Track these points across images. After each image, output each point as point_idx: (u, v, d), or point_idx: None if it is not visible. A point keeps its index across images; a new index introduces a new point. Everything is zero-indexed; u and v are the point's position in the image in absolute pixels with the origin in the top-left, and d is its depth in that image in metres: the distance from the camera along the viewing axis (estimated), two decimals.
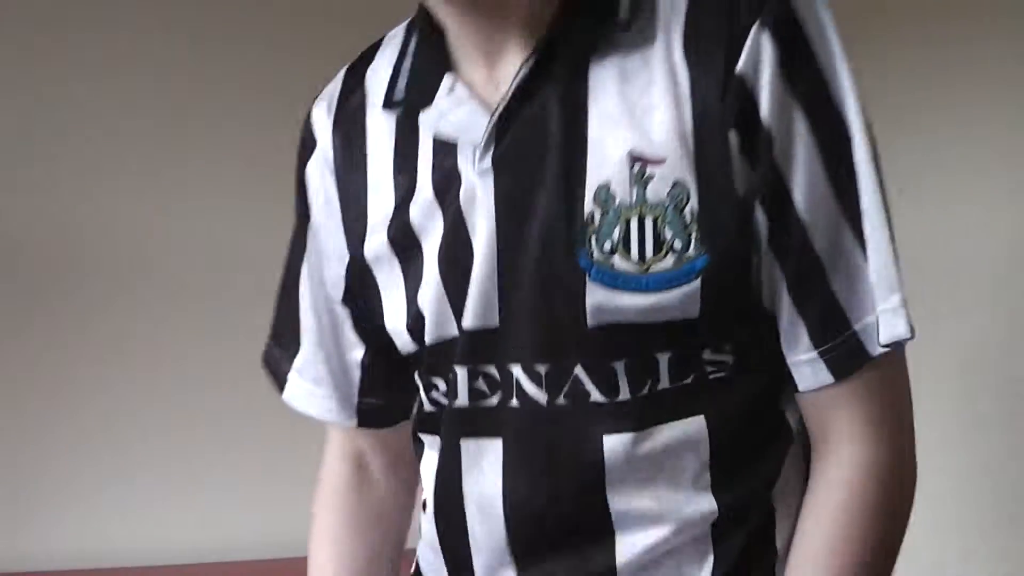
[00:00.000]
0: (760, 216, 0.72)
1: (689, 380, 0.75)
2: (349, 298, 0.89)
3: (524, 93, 0.74)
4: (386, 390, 0.92)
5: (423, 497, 0.89)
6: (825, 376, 0.74)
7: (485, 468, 0.79)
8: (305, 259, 0.94)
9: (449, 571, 0.85)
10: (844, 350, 0.73)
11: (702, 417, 0.75)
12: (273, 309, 1.03)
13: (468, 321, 0.77)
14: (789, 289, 0.73)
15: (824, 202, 0.72)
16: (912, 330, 0.73)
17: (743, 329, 0.76)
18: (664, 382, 0.75)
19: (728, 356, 0.76)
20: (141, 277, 2.11)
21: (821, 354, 0.74)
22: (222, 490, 2.17)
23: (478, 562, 0.80)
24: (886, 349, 0.73)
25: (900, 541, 0.77)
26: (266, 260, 2.21)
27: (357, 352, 0.91)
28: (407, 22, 0.86)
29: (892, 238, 0.73)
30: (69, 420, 2.06)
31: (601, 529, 0.76)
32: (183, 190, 2.15)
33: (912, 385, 0.80)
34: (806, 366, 0.75)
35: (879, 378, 0.75)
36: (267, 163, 2.24)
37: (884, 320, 0.72)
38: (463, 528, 0.81)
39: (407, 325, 0.82)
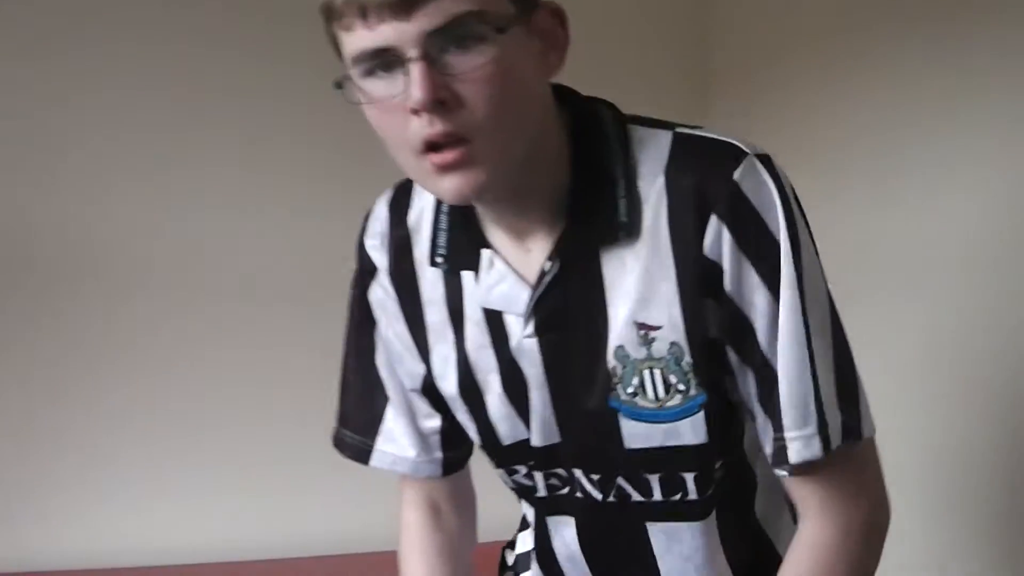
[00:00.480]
0: (731, 353, 0.94)
1: (710, 493, 1.00)
2: (425, 393, 1.09)
3: (552, 280, 0.94)
4: (462, 442, 1.12)
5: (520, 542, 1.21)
6: (779, 470, 0.95)
7: (567, 537, 1.08)
8: (379, 353, 1.09)
9: None
10: (779, 451, 0.94)
11: (714, 514, 1.02)
12: (339, 397, 1.17)
13: (536, 440, 1.01)
14: (760, 400, 0.95)
15: (774, 341, 0.92)
16: (833, 443, 0.92)
17: (736, 441, 1.02)
18: (692, 495, 0.99)
19: (725, 460, 1.00)
20: (142, 277, 2.12)
21: (775, 449, 0.95)
22: (222, 490, 2.17)
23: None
24: (806, 460, 0.92)
25: None
26: (266, 261, 2.23)
27: (435, 422, 1.10)
28: None
29: (816, 370, 0.91)
30: (69, 420, 2.06)
31: None
32: (183, 191, 2.15)
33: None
34: (772, 458, 0.96)
35: (831, 469, 0.94)
36: (268, 165, 2.25)
37: (793, 446, 0.92)
38: (559, 571, 1.11)
39: (480, 440, 1.07)
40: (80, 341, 2.07)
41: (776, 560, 1.01)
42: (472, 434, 1.07)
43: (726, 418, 0.97)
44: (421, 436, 1.10)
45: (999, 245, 1.87)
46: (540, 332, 0.96)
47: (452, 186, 0.86)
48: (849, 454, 0.94)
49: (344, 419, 1.15)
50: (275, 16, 2.20)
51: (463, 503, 1.17)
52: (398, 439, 1.10)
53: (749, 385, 0.95)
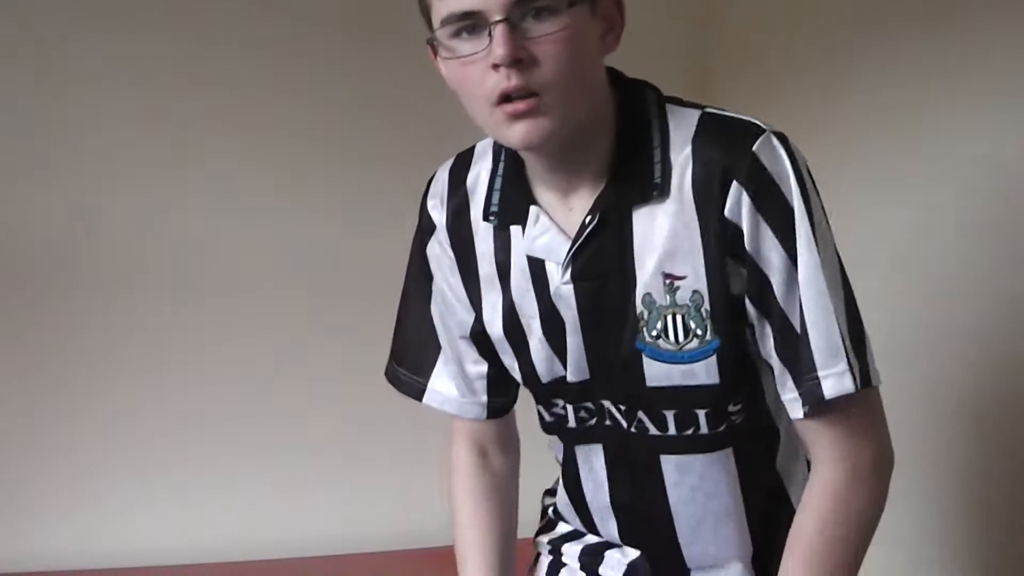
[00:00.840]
0: (751, 307, 1.05)
1: (721, 428, 1.10)
2: (473, 339, 1.20)
3: (589, 235, 1.06)
4: (506, 390, 1.24)
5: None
6: (799, 412, 1.05)
7: (594, 464, 1.19)
8: (433, 302, 1.21)
9: (577, 514, 1.25)
10: (809, 391, 1.03)
11: (730, 449, 1.13)
12: (394, 336, 1.28)
13: (571, 376, 1.13)
14: (777, 350, 1.05)
15: (790, 294, 1.03)
16: (859, 383, 1.02)
17: (751, 386, 1.11)
18: (704, 429, 1.10)
19: (742, 407, 1.10)
20: (142, 277, 2.12)
21: (800, 394, 1.04)
22: (222, 490, 2.17)
23: (594, 510, 1.22)
24: (839, 394, 1.02)
25: (875, 522, 1.08)
26: (266, 260, 2.22)
27: (482, 367, 1.22)
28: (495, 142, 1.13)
29: (838, 318, 1.02)
30: (69, 420, 2.06)
31: (668, 515, 1.16)
32: (183, 191, 2.15)
33: None
34: (791, 403, 1.06)
35: (842, 414, 1.04)
36: (267, 164, 2.25)
37: (827, 383, 1.02)
38: (583, 498, 1.22)
39: (522, 378, 1.19)
40: (78, 341, 2.06)
41: (785, 500, 1.16)
42: (515, 373, 1.19)
43: (738, 364, 1.07)
44: (467, 381, 1.22)
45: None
46: (576, 279, 1.08)
47: (521, 131, 0.99)
48: (859, 399, 1.03)
49: (400, 358, 1.26)
50: (278, 14, 2.20)
51: (508, 447, 1.29)
52: (447, 382, 1.23)
53: (767, 337, 1.05)
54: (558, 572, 1.29)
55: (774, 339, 1.05)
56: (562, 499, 1.28)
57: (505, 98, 0.97)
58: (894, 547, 1.94)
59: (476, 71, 0.98)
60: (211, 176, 2.16)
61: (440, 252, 1.18)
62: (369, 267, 2.32)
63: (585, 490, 1.22)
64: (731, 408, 1.10)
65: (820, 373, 1.02)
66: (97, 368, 2.08)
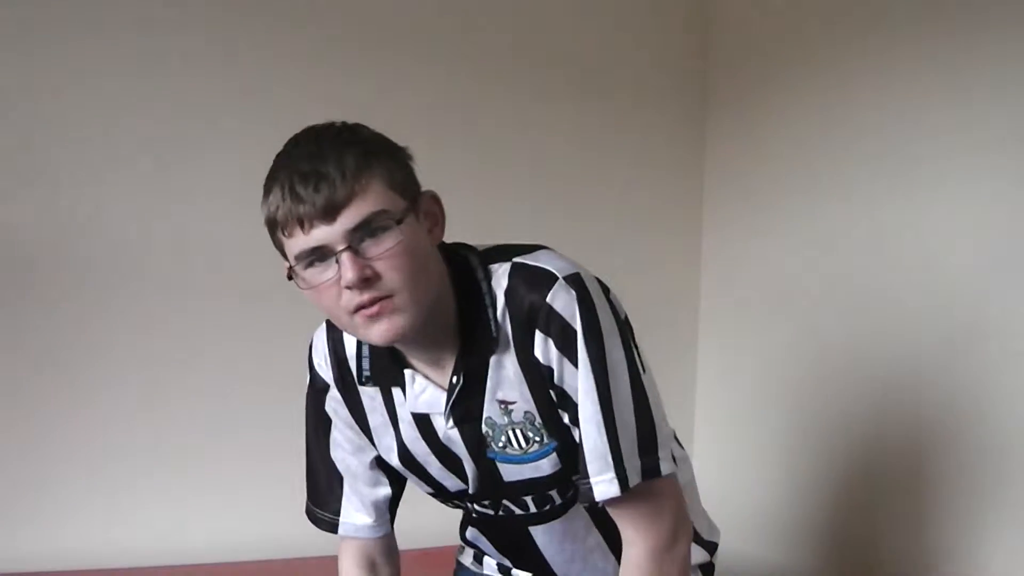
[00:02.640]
0: (566, 419, 1.26)
1: (570, 495, 1.34)
2: (380, 466, 1.41)
3: (460, 391, 1.27)
4: (396, 504, 1.46)
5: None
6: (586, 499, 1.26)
7: (486, 531, 1.48)
8: (334, 448, 1.40)
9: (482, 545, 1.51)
10: (584, 494, 1.25)
11: (585, 509, 1.37)
12: (306, 482, 1.44)
13: (471, 490, 1.35)
14: (582, 451, 1.26)
15: (580, 413, 1.24)
16: (627, 485, 1.22)
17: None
18: (558, 501, 1.35)
19: (576, 483, 1.31)
20: (142, 278, 2.12)
21: (581, 493, 1.26)
22: (222, 490, 2.17)
23: (491, 551, 1.51)
24: (607, 498, 1.23)
25: None
26: (265, 260, 2.22)
27: (386, 490, 1.43)
28: None
29: (609, 432, 1.22)
30: (69, 420, 2.06)
31: (545, 561, 1.44)
32: (182, 191, 2.15)
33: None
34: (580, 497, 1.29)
35: (636, 500, 1.25)
36: (266, 164, 2.25)
37: (597, 488, 1.24)
38: (479, 545, 1.53)
39: (431, 493, 1.41)
40: (79, 341, 2.07)
41: None
42: (422, 488, 1.41)
43: (572, 455, 1.27)
44: (375, 506, 1.42)
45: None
46: (458, 424, 1.29)
47: (380, 330, 1.16)
48: (651, 488, 1.25)
49: (314, 499, 1.44)
50: (275, 18, 2.21)
51: (392, 555, 1.49)
52: (356, 513, 1.42)
53: (579, 439, 1.26)
54: (482, 559, 1.55)
55: (581, 444, 1.25)
56: (471, 532, 1.54)
57: (361, 307, 1.14)
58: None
59: (332, 293, 1.15)
60: (212, 176, 2.17)
61: (336, 405, 1.37)
62: None
63: (477, 544, 1.52)
64: (575, 480, 1.29)
65: (592, 480, 1.23)
66: (97, 368, 2.08)
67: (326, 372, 1.36)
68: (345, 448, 1.39)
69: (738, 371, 2.64)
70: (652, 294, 2.65)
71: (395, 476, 1.42)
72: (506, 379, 1.25)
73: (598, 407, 1.22)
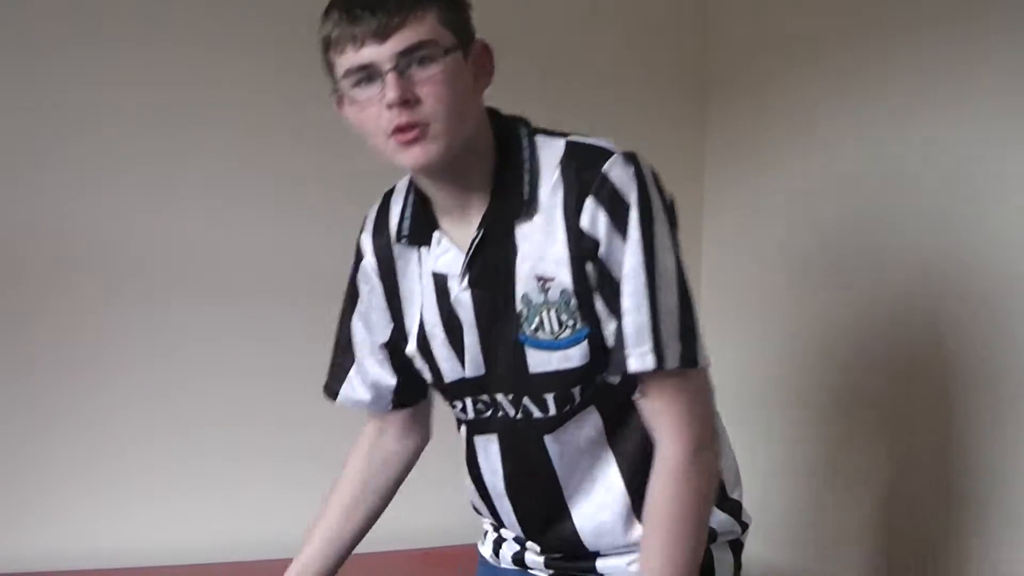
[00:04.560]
0: (599, 303, 1.25)
1: (589, 395, 1.31)
2: (390, 345, 1.44)
3: (478, 248, 1.28)
4: (411, 394, 1.49)
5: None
6: (616, 379, 1.27)
7: (490, 451, 1.40)
8: (354, 316, 1.46)
9: (481, 499, 1.46)
10: (618, 365, 1.24)
11: (593, 406, 1.32)
12: (331, 354, 1.52)
13: (468, 371, 1.34)
14: (610, 333, 1.26)
15: (623, 289, 1.24)
16: (666, 363, 1.22)
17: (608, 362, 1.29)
18: (577, 401, 1.31)
19: (602, 380, 1.30)
20: (142, 277, 2.12)
21: (614, 364, 1.25)
22: (222, 490, 2.18)
23: (492, 496, 1.43)
24: (641, 369, 1.23)
25: (712, 492, 1.29)
26: (264, 260, 2.23)
27: (391, 379, 1.46)
28: (409, 178, 1.36)
29: (652, 308, 1.22)
30: (69, 420, 2.06)
31: (555, 480, 1.37)
32: (181, 190, 2.15)
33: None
34: (612, 377, 1.27)
35: (670, 391, 1.26)
36: (265, 164, 2.26)
37: (631, 359, 1.23)
38: (483, 484, 1.43)
39: (431, 379, 1.42)
40: (79, 341, 2.07)
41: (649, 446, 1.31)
42: (426, 375, 1.41)
43: (601, 346, 1.27)
44: (374, 386, 1.46)
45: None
46: (472, 286, 1.29)
47: (413, 155, 1.19)
48: (686, 380, 1.26)
49: (329, 372, 1.52)
50: (273, 13, 2.21)
51: (407, 436, 1.52)
52: (358, 387, 1.47)
53: (606, 323, 1.25)
54: (499, 550, 1.52)
55: (609, 325, 1.25)
56: (470, 488, 1.48)
57: (398, 130, 1.18)
58: None
59: (373, 112, 1.19)
60: (208, 177, 2.17)
61: (370, 272, 1.42)
62: None
63: (484, 476, 1.42)
64: (597, 380, 1.29)
65: (628, 351, 1.23)
66: (97, 368, 2.08)
67: (368, 243, 1.41)
68: (363, 323, 1.44)
69: (738, 370, 2.64)
70: None
71: (404, 369, 1.44)
72: (547, 254, 1.25)
73: (643, 284, 1.22)
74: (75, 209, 2.08)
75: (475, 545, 1.60)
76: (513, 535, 1.48)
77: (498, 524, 1.50)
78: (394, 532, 2.35)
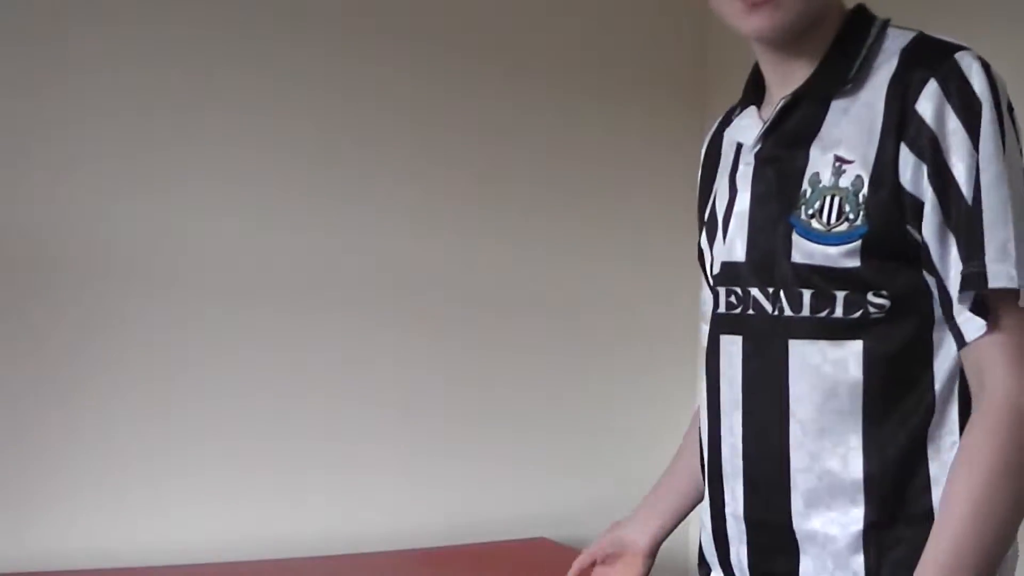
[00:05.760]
0: (929, 194, 1.08)
1: (856, 315, 1.12)
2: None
3: (780, 118, 1.20)
4: None
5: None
6: (975, 324, 1.06)
7: (732, 353, 1.23)
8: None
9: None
10: (973, 276, 1.06)
11: (860, 342, 1.12)
12: None
13: (729, 254, 1.24)
14: (950, 232, 1.08)
15: (969, 193, 1.07)
16: (1015, 281, 1.04)
17: (896, 282, 1.12)
18: (838, 312, 1.13)
19: (885, 301, 1.12)
20: (143, 277, 2.11)
21: (963, 275, 1.06)
22: (222, 490, 2.17)
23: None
24: (999, 287, 1.04)
25: None
26: (264, 260, 2.23)
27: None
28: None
29: (1015, 225, 1.05)
30: (69, 420, 2.06)
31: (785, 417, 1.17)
32: (181, 190, 2.15)
33: None
34: (961, 317, 1.08)
35: (1010, 332, 1.06)
36: (265, 165, 2.25)
37: (992, 271, 1.05)
38: (717, 392, 1.25)
39: (707, 267, 1.33)
40: (82, 341, 2.06)
41: (921, 460, 1.11)
42: (707, 263, 1.31)
43: (884, 254, 1.11)
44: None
45: None
46: (759, 157, 1.21)
47: (757, 21, 1.14)
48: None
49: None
50: (275, 18, 2.20)
51: None
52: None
53: (934, 225, 1.09)
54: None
55: (955, 238, 1.07)
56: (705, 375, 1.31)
57: None
58: None
59: None
60: (211, 176, 2.16)
61: (702, 161, 1.40)
62: (367, 271, 2.33)
63: (721, 384, 1.24)
64: (872, 298, 1.12)
65: (988, 260, 1.05)
66: (98, 368, 2.08)
67: (707, 136, 1.40)
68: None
69: None
70: (649, 297, 2.65)
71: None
72: (857, 134, 1.12)
73: (1006, 194, 1.05)
74: (77, 209, 2.07)
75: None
76: None
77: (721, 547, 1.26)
78: (394, 532, 2.36)
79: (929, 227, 1.08)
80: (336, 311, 2.27)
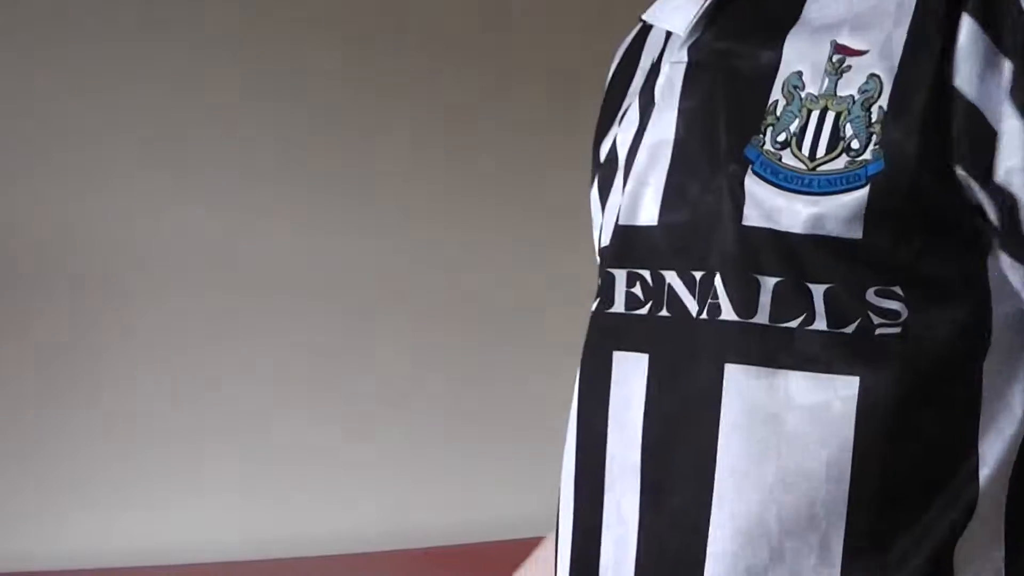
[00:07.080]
0: (1010, 113, 0.61)
1: (850, 329, 0.63)
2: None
3: None
4: None
5: None
6: None
7: (630, 386, 0.75)
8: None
9: (575, 481, 0.81)
10: None
11: (855, 380, 0.62)
12: None
13: (634, 217, 0.74)
14: None
15: None
16: None
17: (927, 272, 0.63)
18: (820, 323, 0.63)
19: (901, 305, 0.62)
20: (143, 276, 2.12)
21: None
22: (222, 490, 2.17)
23: (613, 472, 0.76)
24: None
25: None
26: (264, 259, 2.23)
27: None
28: None
29: None
30: (69, 420, 2.06)
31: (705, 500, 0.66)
32: (181, 190, 2.15)
33: None
34: None
35: None
36: (264, 164, 2.25)
37: None
38: (601, 449, 0.81)
39: (598, 238, 0.84)
40: (79, 340, 2.07)
41: None
42: (596, 234, 0.82)
43: (903, 213, 0.62)
44: None
45: None
46: (698, 51, 0.71)
47: None
48: None
49: None
50: (275, 20, 2.21)
51: None
52: None
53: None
54: None
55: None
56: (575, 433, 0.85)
57: None
58: None
59: None
60: (212, 177, 2.17)
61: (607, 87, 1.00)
62: (366, 271, 2.33)
63: (609, 437, 0.77)
64: (878, 299, 0.63)
65: None
66: (98, 368, 2.08)
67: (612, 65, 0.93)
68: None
69: None
70: None
71: None
72: (864, 6, 0.65)
73: None
74: (78, 209, 2.07)
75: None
76: None
77: None
78: (394, 532, 2.36)
79: (1017, 173, 0.61)
80: (338, 311, 2.27)
